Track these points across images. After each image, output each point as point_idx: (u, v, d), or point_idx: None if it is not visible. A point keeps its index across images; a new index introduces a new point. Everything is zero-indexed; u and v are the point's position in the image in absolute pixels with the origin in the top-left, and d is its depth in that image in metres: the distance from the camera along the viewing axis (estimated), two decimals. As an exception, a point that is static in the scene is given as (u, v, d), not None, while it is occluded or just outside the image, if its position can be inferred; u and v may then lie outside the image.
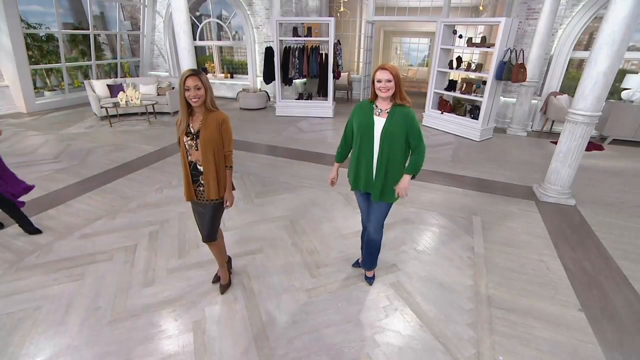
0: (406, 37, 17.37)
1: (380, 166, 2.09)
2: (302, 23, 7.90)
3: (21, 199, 3.06)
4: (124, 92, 6.97)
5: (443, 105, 6.82)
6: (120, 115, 7.23)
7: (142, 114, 7.38)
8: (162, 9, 9.62)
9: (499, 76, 5.61)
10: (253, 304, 2.38)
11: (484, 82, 5.98)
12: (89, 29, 8.68)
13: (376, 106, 2.08)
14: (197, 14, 9.96)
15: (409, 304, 2.40)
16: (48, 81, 8.92)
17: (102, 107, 6.84)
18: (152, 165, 4.77)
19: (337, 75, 7.46)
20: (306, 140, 6.07)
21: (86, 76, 9.47)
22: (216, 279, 2.55)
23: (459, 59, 6.55)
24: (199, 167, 2.06)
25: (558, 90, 6.67)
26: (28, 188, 3.08)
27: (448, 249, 3.04)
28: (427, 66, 16.01)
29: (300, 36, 7.45)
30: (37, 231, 3.11)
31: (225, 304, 2.37)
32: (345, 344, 2.08)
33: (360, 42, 9.61)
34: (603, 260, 2.96)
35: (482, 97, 5.96)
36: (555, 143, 3.93)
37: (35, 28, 8.55)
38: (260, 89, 8.69)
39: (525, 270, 2.79)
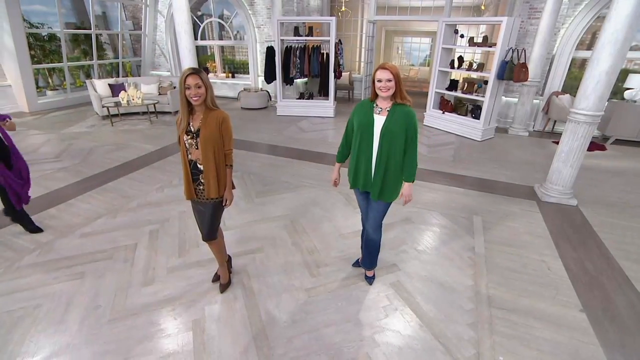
0: (408, 36, 17.33)
1: (379, 165, 2.08)
2: (304, 22, 7.89)
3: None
4: (125, 91, 6.98)
5: (444, 105, 6.80)
6: (122, 114, 7.25)
7: (144, 113, 7.39)
8: (164, 9, 9.64)
9: (500, 76, 5.59)
10: (253, 303, 2.37)
11: (486, 82, 5.97)
12: (91, 29, 8.71)
13: (376, 105, 2.07)
14: (199, 13, 9.97)
15: (409, 304, 2.39)
16: (50, 81, 8.95)
17: (103, 107, 6.86)
18: (153, 165, 4.78)
19: (338, 75, 7.45)
20: (307, 139, 6.06)
21: (88, 76, 9.50)
22: (216, 278, 2.55)
23: (461, 59, 6.52)
24: (199, 165, 2.06)
25: (560, 90, 6.65)
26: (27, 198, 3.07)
27: (449, 248, 3.03)
28: (428, 66, 15.98)
29: (301, 36, 7.44)
30: (38, 230, 3.12)
31: (225, 303, 2.37)
32: (345, 344, 2.07)
33: (362, 42, 9.60)
34: (605, 260, 2.94)
35: (483, 96, 5.94)
36: (557, 143, 3.91)
37: (37, 28, 8.58)
38: (261, 89, 8.69)
39: (526, 270, 2.77)
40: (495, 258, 2.91)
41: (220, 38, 10.31)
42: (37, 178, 4.12)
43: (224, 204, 2.19)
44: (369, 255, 2.48)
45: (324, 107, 7.67)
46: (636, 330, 2.23)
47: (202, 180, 2.09)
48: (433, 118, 6.95)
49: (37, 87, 8.01)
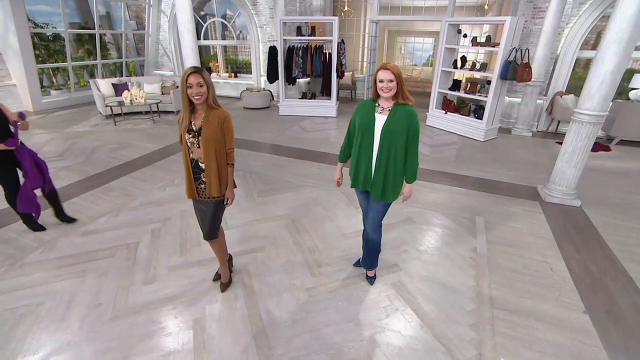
0: (411, 36, 17.30)
1: (380, 164, 2.08)
2: (306, 22, 7.90)
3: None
4: (128, 91, 7.02)
5: (447, 105, 6.77)
6: (125, 114, 7.28)
7: (147, 112, 7.42)
8: (167, 9, 9.68)
9: (503, 76, 5.56)
10: (253, 302, 2.37)
11: (489, 82, 5.93)
12: (95, 29, 8.76)
13: (378, 105, 2.06)
14: (202, 13, 10.00)
15: (410, 304, 2.38)
16: (54, 80, 9.01)
17: (107, 106, 6.89)
18: (155, 164, 4.80)
19: (340, 75, 7.44)
20: (309, 139, 6.06)
21: (92, 75, 9.55)
22: (217, 277, 2.56)
23: (464, 59, 6.50)
24: (200, 164, 2.06)
25: (564, 90, 6.60)
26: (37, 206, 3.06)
27: (450, 249, 3.01)
28: (431, 66, 15.93)
29: (304, 35, 7.44)
30: (40, 228, 3.14)
31: (226, 302, 2.37)
32: (345, 344, 2.06)
33: (365, 42, 9.58)
34: (609, 262, 2.91)
35: (486, 96, 5.91)
36: (561, 143, 3.88)
37: (42, 27, 8.65)
38: (264, 88, 8.70)
39: (528, 271, 2.75)
40: (498, 259, 2.89)
41: (223, 38, 10.33)
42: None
43: (225, 203, 2.19)
44: (370, 255, 2.48)
45: (327, 107, 7.67)
46: (640, 333, 2.21)
47: (203, 179, 2.09)
48: (436, 118, 6.93)
49: (42, 87, 8.07)
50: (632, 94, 6.11)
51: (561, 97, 6.35)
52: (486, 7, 8.47)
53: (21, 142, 2.81)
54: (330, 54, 7.24)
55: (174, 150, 5.31)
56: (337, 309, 2.33)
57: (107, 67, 10.14)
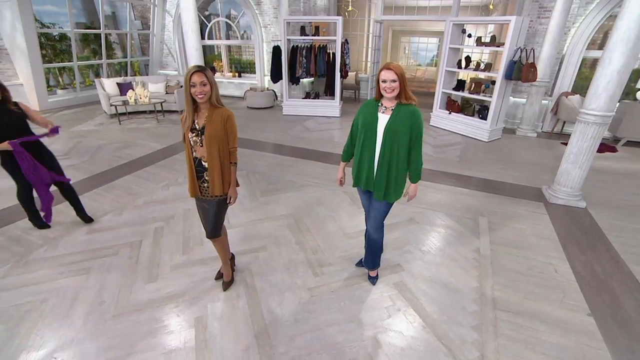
0: (415, 36, 17.25)
1: (382, 164, 2.07)
2: (310, 22, 7.90)
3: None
4: (133, 90, 7.06)
5: (451, 105, 6.74)
6: (129, 113, 7.33)
7: (151, 112, 7.46)
8: (172, 9, 9.72)
9: (508, 76, 5.52)
10: (255, 301, 2.38)
11: (493, 82, 5.90)
12: (100, 29, 8.82)
13: (381, 104, 2.06)
14: (206, 13, 10.04)
15: (413, 305, 2.37)
16: (60, 80, 9.09)
17: (111, 105, 6.94)
18: (159, 163, 4.82)
19: (344, 75, 7.43)
20: (313, 139, 6.06)
21: (97, 75, 9.63)
22: (219, 276, 2.56)
23: (468, 59, 6.46)
24: (203, 163, 2.07)
25: (570, 91, 6.54)
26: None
27: (453, 250, 2.99)
28: (435, 66, 15.86)
29: (308, 35, 7.44)
30: (45, 226, 3.17)
31: (228, 300, 2.38)
32: (347, 344, 2.06)
33: (369, 42, 9.57)
34: (614, 264, 2.88)
35: (491, 97, 5.87)
36: (566, 144, 3.84)
37: (49, 27, 8.73)
38: (267, 88, 8.71)
39: (532, 272, 2.73)
40: (501, 260, 2.87)
41: (228, 38, 10.37)
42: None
43: (228, 202, 2.19)
44: (372, 255, 2.47)
45: (330, 107, 7.66)
46: (646, 336, 2.18)
47: (206, 178, 2.10)
48: (439, 118, 6.89)
49: (48, 86, 8.15)
50: (639, 95, 6.04)
51: (567, 97, 6.29)
52: (491, 6, 8.41)
53: (21, 143, 2.75)
54: (334, 54, 7.23)
55: (178, 149, 5.34)
56: (339, 308, 2.32)
57: (112, 66, 10.22)
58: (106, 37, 8.99)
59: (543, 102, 6.54)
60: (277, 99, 8.77)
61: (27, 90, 7.59)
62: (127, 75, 9.65)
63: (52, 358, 1.93)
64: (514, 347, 2.06)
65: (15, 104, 2.77)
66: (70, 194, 3.19)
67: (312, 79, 8.39)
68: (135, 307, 2.30)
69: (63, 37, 9.01)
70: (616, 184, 4.48)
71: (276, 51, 7.66)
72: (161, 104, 7.28)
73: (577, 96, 6.27)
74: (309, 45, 7.39)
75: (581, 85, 6.68)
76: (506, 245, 3.07)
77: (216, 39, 10.34)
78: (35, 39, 7.16)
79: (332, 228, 3.28)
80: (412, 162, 2.09)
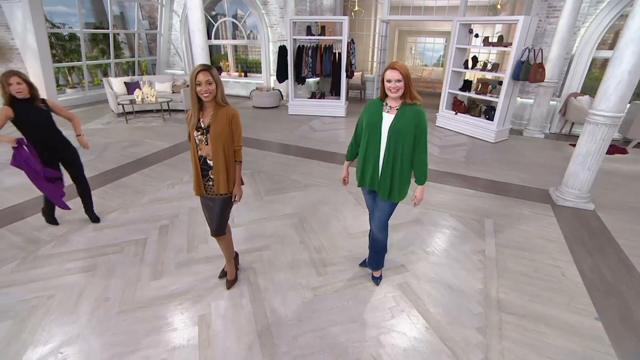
0: (421, 36, 17.16)
1: (387, 164, 2.06)
2: (316, 22, 7.90)
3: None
4: (140, 89, 7.13)
5: (457, 106, 6.68)
6: (136, 112, 7.41)
7: (157, 111, 7.53)
8: (179, 8, 9.80)
9: (516, 76, 5.46)
10: (259, 300, 2.38)
11: (500, 83, 5.83)
12: (109, 29, 8.92)
13: (386, 104, 2.05)
14: (213, 13, 10.10)
15: (416, 306, 2.35)
16: (70, 79, 9.23)
17: (119, 104, 7.02)
18: (165, 161, 4.86)
19: (350, 75, 7.42)
20: (318, 139, 6.06)
21: (105, 74, 9.75)
22: (223, 274, 2.57)
23: (475, 59, 6.40)
24: (208, 161, 2.08)
25: (579, 91, 6.44)
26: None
27: (458, 251, 2.97)
28: (442, 66, 15.76)
29: (314, 35, 7.44)
30: (54, 222, 3.21)
31: (231, 299, 2.38)
32: (350, 344, 2.05)
33: (375, 42, 9.54)
34: (623, 267, 2.83)
35: (498, 97, 5.81)
36: (574, 146, 3.78)
37: (59, 28, 8.86)
38: (273, 88, 8.74)
39: (538, 275, 2.69)
40: (507, 262, 2.84)
41: (234, 37, 10.42)
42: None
43: (233, 200, 2.20)
44: (376, 255, 2.46)
45: (336, 107, 7.66)
46: (655, 341, 2.14)
47: (211, 176, 2.10)
48: (445, 119, 6.84)
49: (57, 85, 8.27)
50: (650, 96, 5.93)
51: (575, 98, 6.20)
52: (499, 6, 8.33)
53: (27, 145, 2.78)
54: (340, 54, 7.23)
55: (184, 148, 5.37)
56: (342, 308, 2.31)
57: (120, 66, 10.34)
58: (114, 37, 9.10)
59: (551, 103, 6.46)
60: (282, 98, 8.79)
61: (37, 89, 7.69)
62: (134, 75, 9.76)
63: (58, 353, 1.96)
64: (519, 350, 2.03)
65: (43, 101, 2.82)
66: (85, 191, 3.22)
67: (318, 78, 8.38)
68: (140, 304, 2.32)
69: (72, 37, 9.15)
70: (626, 186, 4.41)
71: (282, 51, 7.68)
72: (168, 103, 7.34)
73: (587, 97, 6.18)
74: (315, 45, 7.39)
75: (591, 86, 6.57)
76: (512, 247, 3.03)
77: (223, 38, 10.39)
78: (46, 39, 7.27)
79: (337, 228, 3.28)
80: (417, 163, 2.08)
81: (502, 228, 3.33)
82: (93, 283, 2.50)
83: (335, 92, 7.88)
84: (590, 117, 3.47)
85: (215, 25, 9.95)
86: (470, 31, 6.35)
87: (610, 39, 6.57)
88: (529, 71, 5.33)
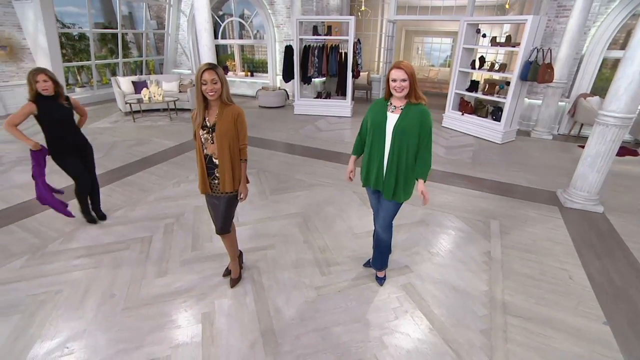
0: (428, 36, 17.05)
1: (392, 163, 2.05)
2: (323, 22, 7.90)
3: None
4: (147, 88, 7.21)
5: (464, 107, 6.63)
6: (144, 111, 7.48)
7: (164, 110, 7.60)
8: (187, 8, 9.88)
9: (524, 77, 5.39)
10: (262, 299, 2.39)
11: (508, 83, 5.77)
12: (117, 28, 9.03)
13: (390, 103, 2.04)
14: (220, 13, 10.16)
15: (420, 307, 2.33)
16: (79, 78, 9.36)
17: (126, 103, 7.10)
18: (171, 160, 4.90)
19: (356, 75, 7.40)
20: (324, 139, 6.06)
21: (114, 73, 9.87)
22: (227, 273, 2.58)
23: (482, 59, 6.34)
24: (214, 160, 2.09)
25: (589, 92, 6.34)
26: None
27: (463, 252, 2.94)
28: (449, 67, 15.65)
29: (320, 35, 7.44)
30: (93, 221, 3.24)
31: (235, 297, 2.39)
32: (353, 344, 2.05)
33: (381, 42, 9.50)
34: (633, 271, 2.77)
35: (505, 98, 5.74)
36: (583, 147, 3.73)
37: (69, 28, 8.99)
38: (279, 88, 8.76)
39: (545, 278, 2.65)
40: (512, 264, 2.81)
41: (241, 37, 10.47)
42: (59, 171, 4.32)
43: (239, 198, 2.21)
44: (380, 256, 2.45)
45: (342, 107, 7.65)
46: (665, 347, 2.09)
47: (217, 175, 2.12)
48: (452, 119, 6.79)
49: (67, 84, 8.39)
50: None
51: (585, 99, 6.11)
52: (507, 6, 8.24)
53: (43, 147, 2.84)
54: (346, 54, 7.21)
55: (190, 147, 5.41)
56: (346, 308, 2.31)
57: (128, 65, 10.45)
58: (123, 37, 9.20)
59: (560, 103, 6.37)
60: (288, 98, 8.80)
61: (47, 88, 7.81)
62: (142, 74, 9.85)
63: (64, 348, 1.98)
64: (524, 354, 2.01)
65: (67, 98, 2.88)
66: (93, 189, 3.27)
67: (323, 78, 8.38)
68: (145, 301, 2.34)
69: (82, 36, 9.28)
70: (637, 188, 4.33)
71: (288, 51, 7.69)
72: (174, 102, 7.40)
73: (597, 98, 6.08)
74: (321, 45, 7.39)
75: (601, 87, 6.46)
76: (518, 249, 3.00)
77: (229, 38, 10.45)
78: (56, 39, 7.38)
79: (341, 228, 3.27)
80: (420, 160, 2.04)
81: (508, 230, 3.30)
82: (99, 279, 2.53)
83: (341, 92, 7.88)
84: (600, 118, 3.41)
85: (222, 25, 10.01)
86: (478, 31, 6.30)
87: (622, 39, 6.45)
88: (537, 71, 5.26)
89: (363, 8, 8.71)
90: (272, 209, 3.59)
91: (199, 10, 4.90)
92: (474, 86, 6.55)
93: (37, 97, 2.68)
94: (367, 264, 2.72)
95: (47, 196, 2.91)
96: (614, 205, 3.81)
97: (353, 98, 7.81)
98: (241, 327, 2.15)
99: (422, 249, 2.98)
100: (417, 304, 2.37)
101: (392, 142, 2.01)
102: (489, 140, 6.07)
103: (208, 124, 2.02)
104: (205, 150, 2.08)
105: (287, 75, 7.87)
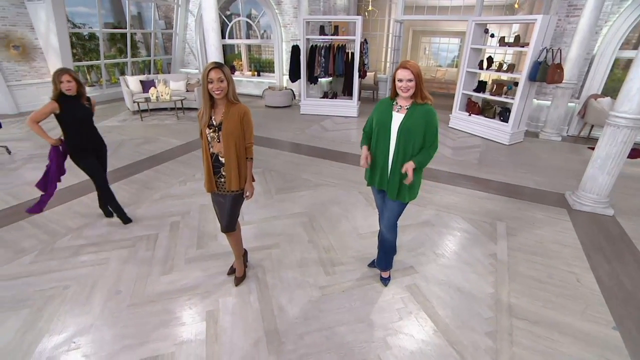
0: (436, 36, 16.92)
1: (396, 162, 2.04)
2: (330, 22, 7.89)
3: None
4: (155, 87, 7.28)
5: (471, 107, 6.56)
6: (151, 109, 7.56)
7: (172, 109, 7.67)
8: (195, 8, 9.95)
9: (532, 77, 5.32)
10: (266, 297, 2.39)
11: (516, 84, 5.70)
12: (126, 28, 9.14)
13: (396, 103, 2.03)
14: (228, 13, 10.22)
15: (425, 308, 2.32)
16: (88, 77, 9.49)
17: (134, 102, 7.18)
18: (177, 159, 4.94)
19: (363, 75, 7.38)
20: (330, 139, 6.05)
21: (122, 73, 9.99)
22: (231, 271, 2.60)
23: (490, 59, 6.27)
24: (220, 158, 2.10)
25: (600, 93, 6.23)
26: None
27: (469, 254, 2.91)
28: (456, 67, 15.52)
29: (327, 35, 7.44)
30: (128, 220, 3.27)
31: (239, 296, 2.40)
32: (356, 344, 2.04)
33: (388, 42, 9.46)
34: (643, 276, 2.72)
35: (513, 99, 5.68)
36: (593, 149, 3.66)
37: (79, 28, 9.13)
38: (286, 87, 8.77)
39: (552, 281, 2.62)
40: (519, 266, 2.77)
41: (248, 37, 10.52)
42: (70, 168, 4.37)
43: (245, 196, 2.22)
44: (385, 256, 2.44)
45: (348, 107, 7.64)
46: (676, 353, 2.05)
47: (223, 173, 2.13)
48: (459, 120, 6.73)
49: (77, 83, 8.51)
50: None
51: (596, 100, 6.01)
52: (516, 5, 8.14)
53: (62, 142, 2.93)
54: (352, 54, 7.20)
55: (196, 145, 5.45)
56: (350, 308, 2.30)
57: (137, 64, 10.58)
58: (132, 37, 9.31)
59: (569, 104, 6.27)
60: (295, 98, 8.82)
61: (57, 87, 7.94)
62: (150, 73, 9.96)
63: (71, 342, 2.01)
64: (530, 357, 1.98)
65: (88, 99, 2.94)
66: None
67: (330, 78, 8.38)
68: (150, 298, 2.36)
69: (92, 36, 9.42)
70: (648, 191, 4.24)
71: (295, 50, 7.70)
72: (181, 102, 7.47)
73: (608, 99, 5.97)
74: (327, 45, 7.39)
75: (612, 88, 6.34)
76: (525, 252, 2.96)
77: (236, 38, 10.50)
78: (67, 39, 7.49)
79: (346, 228, 3.26)
80: (424, 151, 1.97)
81: (515, 231, 3.25)
82: (106, 276, 2.56)
83: (347, 92, 7.86)
84: (611, 119, 3.35)
85: (230, 25, 10.06)
86: (486, 31, 6.23)
87: (635, 39, 6.33)
88: (546, 72, 5.19)
89: (370, 8, 8.69)
90: (278, 208, 3.60)
91: (207, 10, 4.94)
92: (481, 87, 6.48)
93: (59, 97, 2.72)
94: (371, 264, 2.71)
95: (49, 188, 2.97)
96: (624, 208, 3.74)
97: (359, 98, 7.79)
98: (245, 326, 2.16)
99: (428, 249, 2.96)
100: (421, 305, 2.35)
101: (397, 142, 2.00)
102: (496, 142, 6.00)
103: (214, 123, 2.03)
104: (211, 149, 2.09)
105: (294, 75, 7.89)
